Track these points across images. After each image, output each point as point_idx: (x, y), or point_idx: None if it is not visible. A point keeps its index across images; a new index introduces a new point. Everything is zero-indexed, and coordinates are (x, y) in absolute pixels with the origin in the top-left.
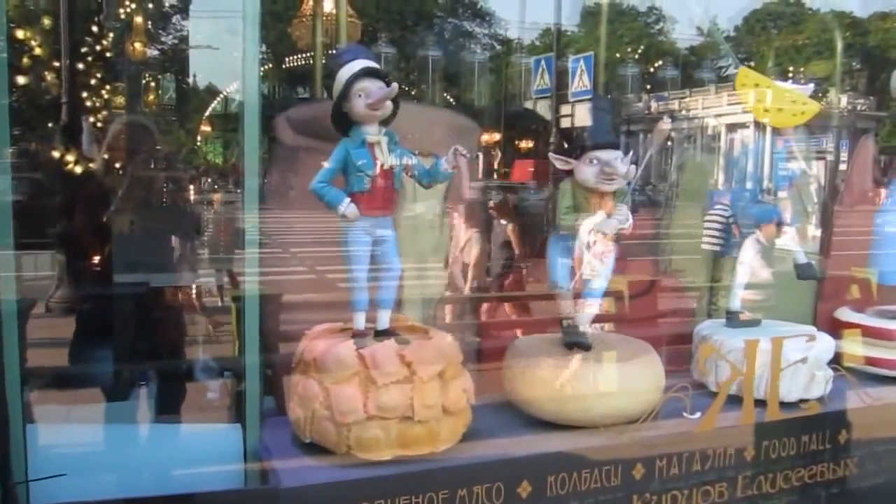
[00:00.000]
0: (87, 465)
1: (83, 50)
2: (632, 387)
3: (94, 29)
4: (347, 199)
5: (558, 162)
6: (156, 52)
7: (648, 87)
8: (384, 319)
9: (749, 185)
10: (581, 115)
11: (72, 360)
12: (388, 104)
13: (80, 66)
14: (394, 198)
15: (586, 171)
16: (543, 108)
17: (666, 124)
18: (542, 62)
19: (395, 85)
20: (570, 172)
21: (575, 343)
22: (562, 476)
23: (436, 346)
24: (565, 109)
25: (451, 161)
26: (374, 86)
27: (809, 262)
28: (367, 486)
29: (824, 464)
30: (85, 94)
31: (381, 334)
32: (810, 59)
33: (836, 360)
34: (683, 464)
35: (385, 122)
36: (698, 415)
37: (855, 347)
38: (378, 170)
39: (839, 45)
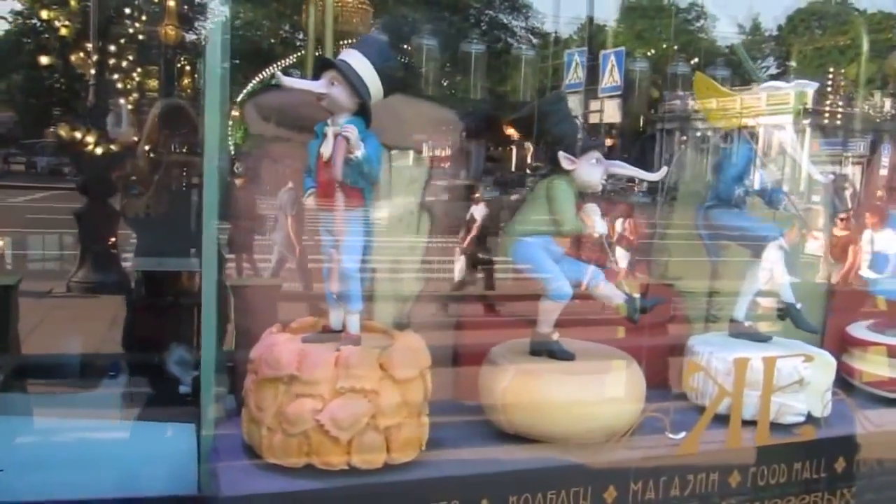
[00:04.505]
0: (28, 461)
1: (113, 32)
2: (607, 400)
3: (126, 11)
4: (310, 190)
5: (566, 161)
6: (192, 36)
7: (683, 84)
8: (332, 317)
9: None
10: (610, 112)
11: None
12: (337, 96)
13: (111, 47)
14: (346, 192)
15: (593, 171)
16: (574, 103)
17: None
18: (576, 56)
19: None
20: (562, 171)
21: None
22: (525, 496)
23: (290, 349)
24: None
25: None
26: (323, 79)
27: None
28: (311, 499)
29: (818, 493)
30: (115, 77)
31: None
32: (853, 61)
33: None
34: (661, 488)
35: (359, 114)
36: (683, 434)
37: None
38: (318, 162)
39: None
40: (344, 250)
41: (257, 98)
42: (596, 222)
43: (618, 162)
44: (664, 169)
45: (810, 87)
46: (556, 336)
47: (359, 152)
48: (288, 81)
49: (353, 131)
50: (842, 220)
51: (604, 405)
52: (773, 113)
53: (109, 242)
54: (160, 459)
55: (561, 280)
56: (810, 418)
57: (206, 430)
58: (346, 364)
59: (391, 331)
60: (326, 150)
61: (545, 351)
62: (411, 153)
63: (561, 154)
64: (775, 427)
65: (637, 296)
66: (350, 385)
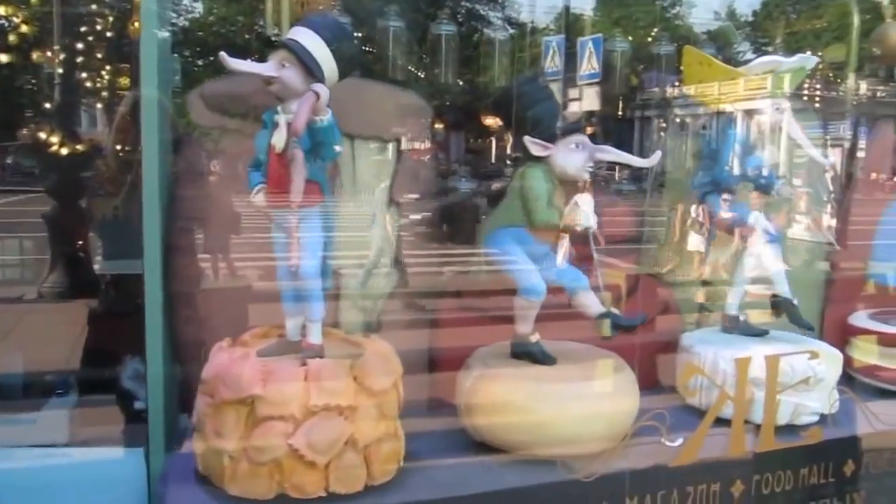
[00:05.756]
0: None
1: (81, 29)
2: (598, 408)
3: (93, 7)
4: (258, 186)
5: (535, 147)
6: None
7: (659, 70)
8: (289, 325)
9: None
10: (589, 100)
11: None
12: (288, 79)
13: (78, 45)
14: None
15: (573, 157)
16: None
17: None
18: (553, 43)
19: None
20: (536, 158)
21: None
22: None
23: (251, 366)
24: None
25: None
26: (272, 60)
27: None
28: None
29: (827, 500)
30: (84, 75)
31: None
32: (829, 45)
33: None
34: (658, 502)
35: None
36: (680, 441)
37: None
38: (269, 154)
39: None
40: (301, 250)
41: (203, 87)
42: (580, 215)
43: (605, 147)
44: (658, 154)
45: (811, 62)
46: (535, 337)
47: (325, 116)
48: (233, 64)
49: (324, 89)
50: (725, 201)
51: (574, 413)
52: (752, 98)
53: (79, 246)
54: (108, 487)
55: (532, 276)
56: (821, 418)
57: (156, 456)
58: (317, 378)
59: (353, 338)
60: (279, 140)
61: (525, 354)
62: (389, 144)
63: (527, 139)
64: (781, 429)
65: (616, 311)
66: (324, 402)
